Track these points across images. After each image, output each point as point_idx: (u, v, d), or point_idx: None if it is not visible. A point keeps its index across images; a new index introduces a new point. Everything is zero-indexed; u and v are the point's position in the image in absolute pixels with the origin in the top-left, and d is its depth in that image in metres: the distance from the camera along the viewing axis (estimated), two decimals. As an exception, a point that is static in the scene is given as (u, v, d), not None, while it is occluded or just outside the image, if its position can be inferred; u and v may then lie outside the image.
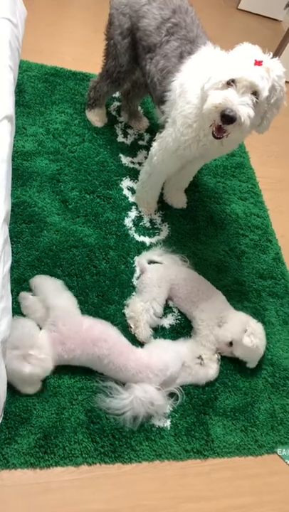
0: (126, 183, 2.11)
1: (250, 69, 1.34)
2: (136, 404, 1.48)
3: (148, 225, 2.03)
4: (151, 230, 2.02)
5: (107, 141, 2.22)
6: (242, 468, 1.58)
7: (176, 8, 1.67)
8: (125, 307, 1.74)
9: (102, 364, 1.53)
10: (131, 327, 1.69)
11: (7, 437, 1.39)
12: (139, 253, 1.92)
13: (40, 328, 1.52)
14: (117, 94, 2.38)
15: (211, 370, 1.67)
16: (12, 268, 1.64)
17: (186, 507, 1.45)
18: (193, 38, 1.62)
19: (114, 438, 1.48)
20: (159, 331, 1.75)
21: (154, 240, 1.99)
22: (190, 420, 1.59)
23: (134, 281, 1.83)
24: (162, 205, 2.12)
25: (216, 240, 2.11)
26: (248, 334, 1.70)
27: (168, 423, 1.57)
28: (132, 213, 2.03)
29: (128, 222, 2.00)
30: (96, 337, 1.51)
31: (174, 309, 1.83)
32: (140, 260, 1.87)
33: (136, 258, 1.89)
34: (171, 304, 1.84)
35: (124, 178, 2.12)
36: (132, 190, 2.09)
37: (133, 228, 1.99)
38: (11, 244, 1.72)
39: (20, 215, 1.82)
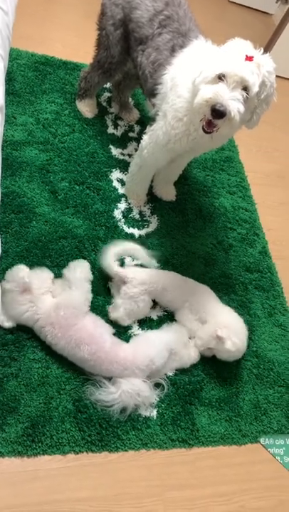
0: (116, 174, 2.11)
1: (241, 64, 1.35)
2: (124, 397, 1.51)
3: (137, 217, 2.04)
4: (141, 222, 2.03)
5: (98, 132, 2.21)
6: (226, 457, 1.62)
7: (169, 0, 1.67)
8: (109, 313, 1.72)
9: (85, 366, 1.54)
10: None
11: (-5, 426, 1.41)
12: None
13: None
14: (107, 85, 2.37)
15: (192, 353, 1.70)
16: (0, 258, 1.64)
17: (171, 495, 1.49)
18: (185, 31, 1.62)
19: (101, 427, 1.50)
20: (146, 322, 1.76)
21: (143, 231, 2.00)
22: (176, 410, 1.62)
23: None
24: (151, 197, 2.13)
25: (204, 233, 2.13)
26: (229, 338, 1.67)
27: (154, 413, 1.59)
28: (122, 205, 2.04)
29: (117, 213, 2.00)
30: (81, 339, 1.51)
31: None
32: (113, 266, 1.73)
33: (102, 261, 1.76)
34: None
35: (114, 170, 2.12)
36: (122, 182, 2.10)
37: (122, 220, 1.99)
38: (0, 234, 1.72)
39: (9, 205, 1.82)
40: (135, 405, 1.54)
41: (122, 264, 1.84)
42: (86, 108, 2.21)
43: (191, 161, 2.18)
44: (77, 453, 1.46)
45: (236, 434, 1.66)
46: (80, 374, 1.56)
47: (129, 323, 1.71)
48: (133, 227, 2.00)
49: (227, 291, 1.98)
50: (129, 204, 2.05)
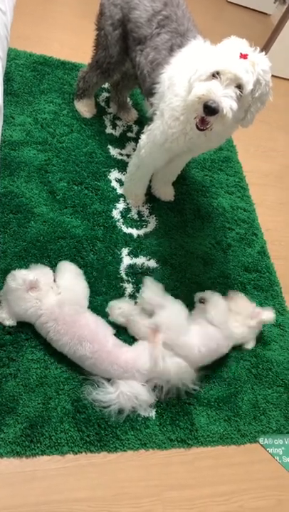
0: (114, 174, 2.11)
1: (235, 61, 1.35)
2: (122, 399, 1.50)
3: (136, 217, 2.04)
4: (139, 222, 2.03)
5: (96, 132, 2.21)
6: (225, 457, 1.62)
7: (168, 0, 1.67)
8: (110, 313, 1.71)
9: (84, 364, 1.54)
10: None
11: (-7, 426, 1.40)
12: (126, 245, 1.93)
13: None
14: (106, 85, 2.37)
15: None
16: (-1, 258, 1.64)
17: (169, 495, 1.49)
18: (183, 31, 1.62)
19: (100, 427, 1.50)
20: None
21: (141, 232, 2.00)
22: (175, 410, 1.62)
23: (122, 273, 1.85)
24: (150, 197, 2.13)
25: (203, 232, 2.13)
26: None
27: (153, 413, 1.59)
28: (120, 205, 2.04)
29: (116, 213, 2.00)
30: (84, 336, 1.51)
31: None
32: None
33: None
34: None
35: (112, 170, 2.12)
36: (120, 182, 2.10)
37: (121, 220, 1.99)
38: (-1, 234, 1.72)
39: (7, 205, 1.81)
40: (132, 407, 1.54)
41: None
42: (84, 108, 2.21)
43: (190, 161, 2.18)
44: (76, 453, 1.46)
45: (235, 434, 1.66)
46: (78, 374, 1.56)
47: None
48: (131, 227, 2.00)
49: (226, 291, 1.98)
50: (128, 204, 2.05)
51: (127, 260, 1.89)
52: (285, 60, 3.05)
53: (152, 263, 1.93)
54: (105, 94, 2.38)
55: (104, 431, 1.50)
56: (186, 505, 1.48)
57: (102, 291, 1.76)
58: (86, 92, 2.15)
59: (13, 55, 2.27)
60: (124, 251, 1.91)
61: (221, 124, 1.43)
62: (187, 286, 1.92)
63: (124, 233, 1.96)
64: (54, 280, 1.63)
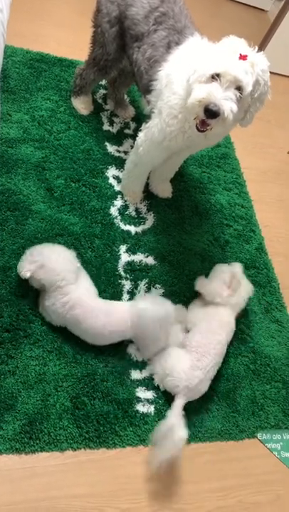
0: (112, 171, 2.11)
1: (234, 63, 1.35)
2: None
3: (133, 214, 2.04)
4: (137, 219, 2.03)
5: (93, 129, 2.21)
6: (223, 452, 1.63)
7: (165, -3, 1.67)
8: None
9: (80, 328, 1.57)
10: None
11: (-8, 423, 1.41)
12: (124, 242, 1.93)
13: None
14: (103, 82, 2.36)
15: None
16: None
17: (168, 490, 1.49)
18: (181, 28, 1.61)
19: (99, 424, 1.51)
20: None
21: (139, 228, 2.00)
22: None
23: (120, 270, 1.85)
24: (148, 194, 2.13)
25: (201, 229, 2.13)
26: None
27: (152, 409, 1.60)
28: (118, 202, 2.04)
29: (114, 211, 2.00)
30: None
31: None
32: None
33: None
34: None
35: (109, 167, 2.12)
36: (118, 179, 2.10)
37: (118, 217, 1.99)
38: (-3, 231, 1.72)
39: (5, 203, 1.81)
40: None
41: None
42: (81, 105, 2.21)
43: (187, 157, 2.18)
44: (75, 450, 1.46)
45: (234, 430, 1.67)
46: (77, 370, 1.57)
47: None
48: (129, 224, 2.00)
49: (223, 287, 1.98)
50: (126, 201, 2.05)
51: (125, 257, 1.89)
52: (282, 56, 3.05)
53: (150, 260, 1.93)
54: (102, 91, 2.38)
55: (103, 427, 1.51)
56: (185, 501, 1.49)
57: (101, 288, 1.77)
58: (83, 89, 2.15)
59: (9, 52, 2.27)
60: (122, 248, 1.91)
61: (222, 126, 1.43)
62: (185, 282, 1.92)
63: (122, 230, 1.96)
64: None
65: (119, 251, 1.90)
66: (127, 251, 1.92)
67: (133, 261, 1.90)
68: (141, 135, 1.81)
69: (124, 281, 1.83)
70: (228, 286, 1.78)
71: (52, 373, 1.54)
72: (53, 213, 1.87)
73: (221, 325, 1.72)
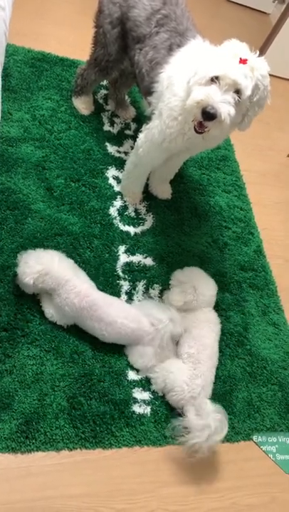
0: (112, 172, 2.11)
1: (234, 67, 1.35)
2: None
3: (133, 214, 2.04)
4: (136, 220, 2.03)
5: (94, 129, 2.21)
6: (219, 454, 1.63)
7: (167, -1, 1.67)
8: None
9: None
10: None
11: (-11, 422, 1.41)
12: (123, 242, 1.93)
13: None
14: (104, 82, 2.36)
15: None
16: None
17: (164, 491, 1.50)
18: (182, 30, 1.62)
19: (96, 424, 1.51)
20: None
21: (138, 229, 2.00)
22: (170, 407, 1.63)
23: (118, 270, 1.85)
24: (147, 195, 2.13)
25: (200, 231, 2.14)
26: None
27: (148, 410, 1.60)
28: (117, 203, 2.04)
29: (113, 211, 2.00)
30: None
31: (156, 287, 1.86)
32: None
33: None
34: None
35: (109, 167, 2.12)
36: (118, 180, 2.10)
37: (118, 217, 2.00)
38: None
39: (4, 202, 1.81)
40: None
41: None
42: (82, 105, 2.21)
43: (187, 159, 2.18)
44: (71, 449, 1.46)
45: (229, 432, 1.67)
46: (74, 371, 1.57)
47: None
48: (128, 224, 2.00)
49: (222, 289, 1.99)
50: (125, 202, 2.06)
51: (123, 258, 1.89)
52: (283, 59, 3.05)
53: (149, 261, 1.93)
54: (103, 92, 2.38)
55: (100, 427, 1.51)
56: (181, 502, 1.50)
57: (99, 289, 1.76)
58: (84, 89, 2.15)
59: (11, 51, 2.27)
60: (121, 248, 1.92)
61: (219, 128, 1.44)
62: (183, 284, 1.92)
63: (121, 231, 1.97)
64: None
65: (118, 251, 1.90)
66: (125, 251, 1.92)
67: (132, 262, 1.90)
68: (141, 136, 1.81)
69: (122, 282, 1.83)
70: (187, 294, 1.78)
71: (49, 373, 1.55)
72: (52, 213, 1.87)
73: (210, 329, 1.74)
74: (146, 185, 2.11)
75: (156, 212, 2.10)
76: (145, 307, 1.72)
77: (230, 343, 1.87)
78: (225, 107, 1.37)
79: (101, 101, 2.35)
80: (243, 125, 1.53)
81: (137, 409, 1.59)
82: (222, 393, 1.74)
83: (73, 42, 2.51)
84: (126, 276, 1.85)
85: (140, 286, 1.85)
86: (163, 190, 2.15)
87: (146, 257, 1.94)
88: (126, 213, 2.03)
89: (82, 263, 1.79)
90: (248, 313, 1.99)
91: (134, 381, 1.64)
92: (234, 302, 1.98)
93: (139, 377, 1.66)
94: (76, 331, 1.64)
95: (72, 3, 2.77)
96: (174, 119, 1.60)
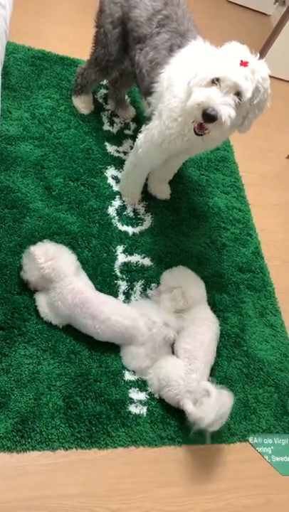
0: (110, 171, 2.11)
1: (235, 69, 1.36)
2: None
3: (131, 214, 2.04)
4: (135, 220, 2.03)
5: (93, 128, 2.21)
6: (215, 455, 1.63)
7: (168, 0, 1.67)
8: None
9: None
10: None
11: (-15, 421, 1.40)
12: (121, 242, 1.93)
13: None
14: (104, 82, 2.36)
15: None
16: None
17: (159, 492, 1.50)
18: (183, 31, 1.62)
19: (91, 424, 1.51)
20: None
21: (136, 229, 2.00)
22: (165, 408, 1.63)
23: (116, 270, 1.85)
24: (146, 195, 2.13)
25: (198, 232, 2.14)
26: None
27: (144, 410, 1.60)
28: (116, 202, 2.04)
29: (112, 211, 2.00)
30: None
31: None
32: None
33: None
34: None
35: (108, 167, 2.12)
36: (117, 179, 2.10)
37: (116, 217, 1.99)
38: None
39: (3, 200, 1.81)
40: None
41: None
42: (82, 104, 2.21)
43: (187, 160, 2.18)
44: (67, 449, 1.46)
45: (225, 433, 1.67)
46: (71, 370, 1.57)
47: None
48: (127, 224, 2.00)
49: (219, 290, 1.99)
50: (124, 202, 2.05)
51: (121, 258, 1.89)
52: (283, 61, 3.05)
53: (147, 261, 1.93)
54: (103, 91, 2.38)
55: (96, 427, 1.51)
56: (176, 503, 1.50)
57: (97, 288, 1.76)
58: (84, 88, 2.15)
59: (11, 49, 2.26)
60: (119, 248, 1.92)
61: (219, 130, 1.44)
62: (181, 284, 1.92)
63: (120, 231, 1.97)
64: None
65: (116, 251, 1.90)
66: (123, 251, 1.92)
67: (130, 262, 1.90)
68: (140, 136, 1.81)
69: (120, 282, 1.83)
70: (177, 302, 1.78)
71: (45, 372, 1.54)
72: (50, 212, 1.87)
73: (208, 327, 1.74)
74: (145, 186, 2.11)
75: (155, 212, 2.10)
76: (141, 307, 1.72)
77: (228, 344, 1.87)
78: (225, 109, 1.37)
79: (101, 100, 2.35)
80: (243, 127, 1.53)
81: (133, 409, 1.59)
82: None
83: (74, 41, 2.50)
84: (124, 276, 1.85)
85: (138, 286, 1.85)
86: (162, 191, 2.15)
87: (144, 257, 1.94)
88: (124, 213, 2.03)
89: (80, 262, 1.78)
90: (246, 314, 1.99)
91: (130, 381, 1.64)
92: (232, 303, 1.98)
93: (136, 377, 1.66)
94: (73, 330, 1.64)
95: (73, 1, 2.76)
96: (174, 120, 1.60)
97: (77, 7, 2.73)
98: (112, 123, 2.29)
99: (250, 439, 1.71)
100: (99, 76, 2.05)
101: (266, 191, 2.55)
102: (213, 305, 1.91)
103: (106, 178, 2.08)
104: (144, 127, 1.80)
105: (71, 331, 1.64)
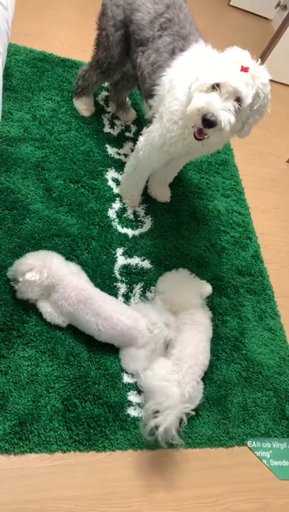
0: (111, 174, 2.11)
1: (235, 75, 1.36)
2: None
3: (131, 217, 2.04)
4: (134, 223, 2.03)
5: (94, 130, 2.21)
6: (213, 459, 1.62)
7: (170, 3, 1.67)
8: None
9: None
10: None
11: (-17, 423, 1.40)
12: (121, 245, 1.93)
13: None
14: (105, 84, 2.36)
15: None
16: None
17: (157, 495, 1.49)
18: (185, 34, 1.62)
19: (90, 426, 1.50)
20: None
21: (136, 232, 2.00)
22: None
23: (116, 272, 1.85)
24: (146, 198, 2.13)
25: (198, 235, 2.14)
26: None
27: (143, 413, 1.59)
28: (116, 205, 2.04)
29: (112, 213, 2.00)
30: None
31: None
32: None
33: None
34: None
35: (109, 169, 2.12)
36: (117, 182, 2.10)
37: (116, 220, 1.99)
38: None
39: (3, 202, 1.81)
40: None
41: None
42: (83, 106, 2.21)
43: (187, 163, 2.18)
44: (65, 452, 1.46)
45: (224, 437, 1.67)
46: (69, 373, 1.56)
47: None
48: (127, 227, 2.00)
49: (219, 293, 1.99)
50: (124, 204, 2.05)
51: (121, 260, 1.89)
52: (284, 65, 3.06)
53: (146, 264, 1.93)
54: (104, 93, 2.38)
55: (94, 430, 1.51)
56: (173, 507, 1.49)
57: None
58: (85, 90, 2.15)
59: (13, 51, 2.27)
60: (119, 251, 1.91)
61: (219, 136, 1.44)
62: (180, 287, 1.92)
63: (120, 233, 1.96)
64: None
65: (115, 254, 1.90)
66: (123, 254, 1.91)
67: (129, 264, 1.90)
68: (141, 139, 1.81)
69: (119, 284, 1.83)
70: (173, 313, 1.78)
71: (44, 374, 1.54)
72: (50, 213, 1.87)
73: (195, 330, 1.72)
74: (146, 188, 2.11)
75: (155, 215, 2.10)
76: (142, 309, 1.71)
77: (227, 347, 1.87)
78: (225, 114, 1.37)
79: (102, 103, 2.35)
80: (242, 133, 1.53)
81: (132, 412, 1.58)
82: (217, 398, 1.73)
83: (75, 43, 2.51)
84: (123, 279, 1.85)
85: (137, 289, 1.85)
86: (162, 194, 2.15)
87: (143, 260, 1.94)
88: (124, 216, 2.02)
89: (80, 264, 1.78)
90: (245, 318, 1.99)
91: (129, 384, 1.64)
92: (231, 307, 1.98)
93: (134, 380, 1.65)
94: (72, 332, 1.64)
95: (74, 4, 2.77)
96: (175, 123, 1.60)
97: (79, 9, 2.74)
98: (112, 125, 2.29)
99: (249, 443, 1.71)
100: (100, 78, 2.05)
101: (266, 195, 2.56)
102: (213, 308, 1.90)
103: (106, 180, 2.08)
104: (144, 130, 1.80)
105: (70, 333, 1.64)
